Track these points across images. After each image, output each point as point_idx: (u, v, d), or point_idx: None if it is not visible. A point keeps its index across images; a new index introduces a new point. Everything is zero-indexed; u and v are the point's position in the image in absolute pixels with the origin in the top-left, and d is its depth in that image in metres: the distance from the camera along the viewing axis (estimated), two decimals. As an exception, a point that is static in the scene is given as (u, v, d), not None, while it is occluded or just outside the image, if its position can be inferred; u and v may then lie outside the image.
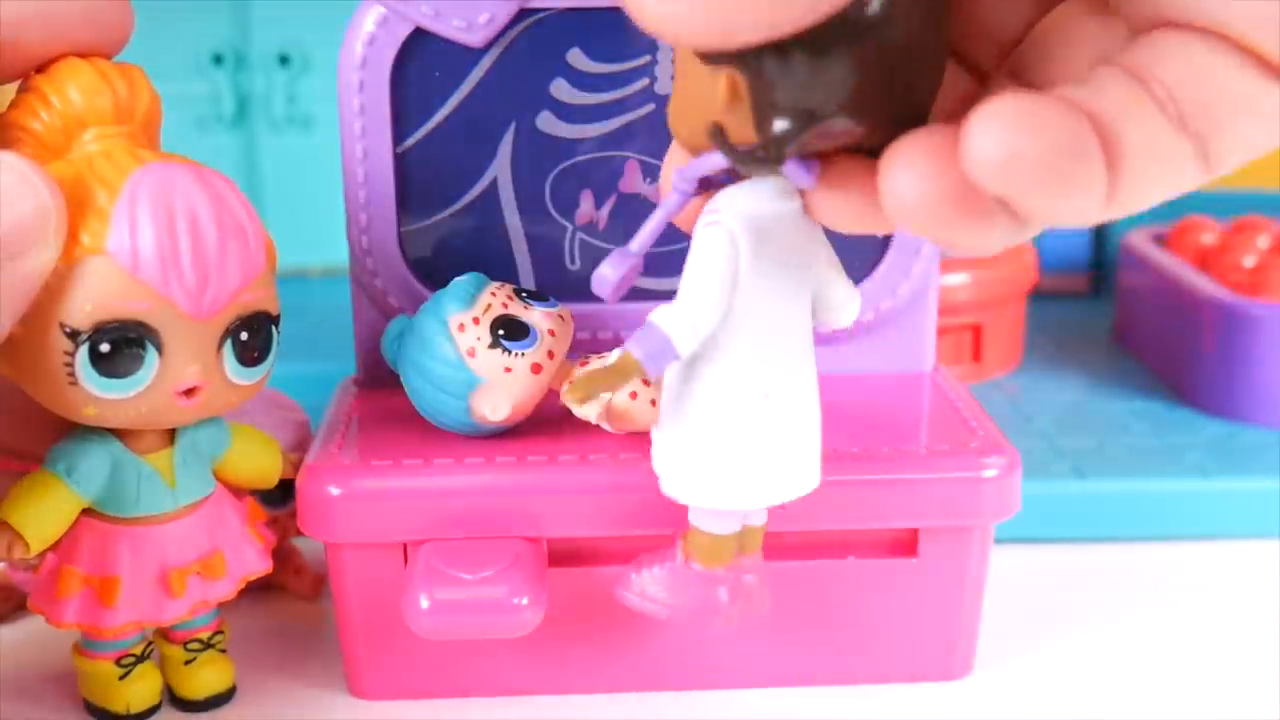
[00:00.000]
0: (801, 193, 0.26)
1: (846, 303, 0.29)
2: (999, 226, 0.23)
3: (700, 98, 0.25)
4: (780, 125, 0.24)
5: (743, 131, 0.25)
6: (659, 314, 0.27)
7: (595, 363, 0.33)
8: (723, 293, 0.27)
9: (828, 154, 0.26)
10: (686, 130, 0.27)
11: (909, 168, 0.23)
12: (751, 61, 0.24)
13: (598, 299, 0.37)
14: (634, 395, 0.33)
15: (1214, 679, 0.35)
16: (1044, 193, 0.22)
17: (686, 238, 0.37)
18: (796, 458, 0.29)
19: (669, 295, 0.37)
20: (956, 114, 0.23)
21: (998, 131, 0.22)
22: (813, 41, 0.23)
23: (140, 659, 0.33)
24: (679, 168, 0.28)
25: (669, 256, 0.37)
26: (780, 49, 0.23)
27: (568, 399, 0.29)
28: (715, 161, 0.27)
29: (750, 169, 0.26)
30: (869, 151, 0.25)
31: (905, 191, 0.23)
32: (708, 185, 0.28)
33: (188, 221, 0.29)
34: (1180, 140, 0.23)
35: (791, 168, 0.25)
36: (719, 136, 0.25)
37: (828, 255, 0.29)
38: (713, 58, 0.25)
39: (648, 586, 0.30)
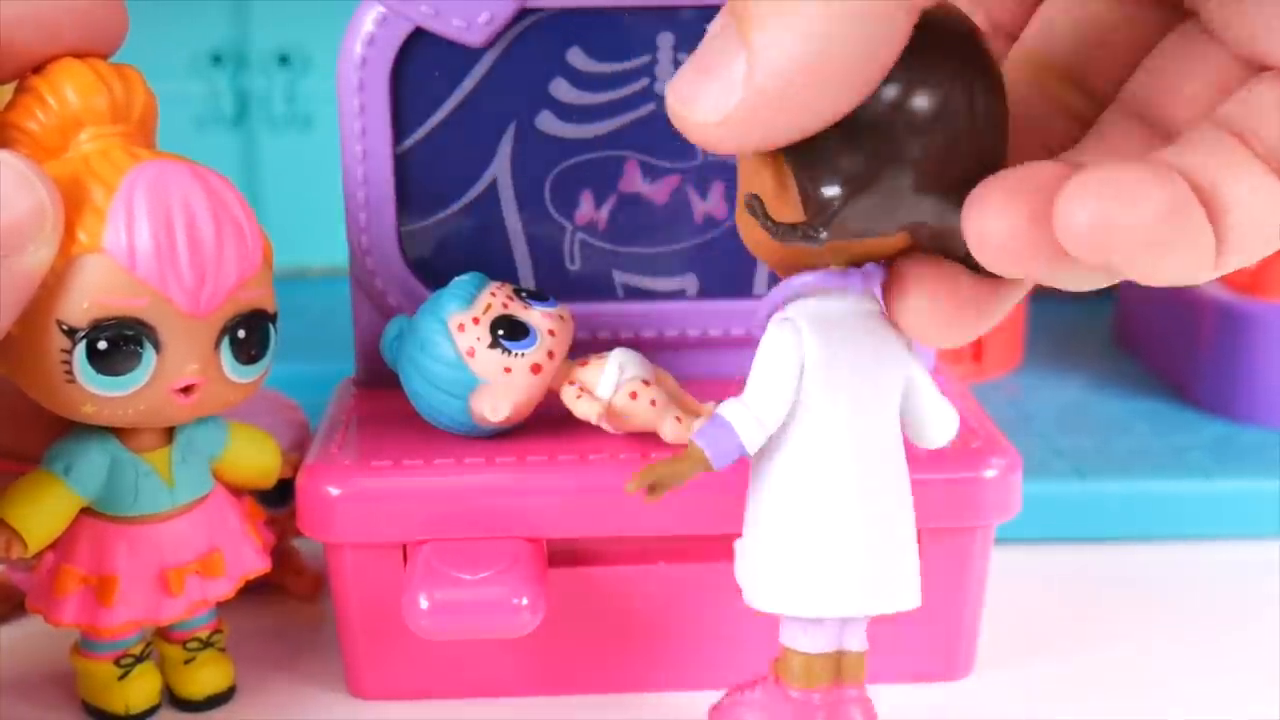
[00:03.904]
0: (882, 300, 0.27)
1: (936, 421, 0.29)
2: (1088, 273, 0.23)
3: (752, 190, 0.26)
4: (827, 192, 0.24)
5: (790, 213, 0.25)
6: (725, 406, 0.27)
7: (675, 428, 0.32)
8: (787, 384, 0.27)
9: (897, 259, 0.27)
10: (750, 232, 0.27)
11: (994, 210, 0.23)
12: (792, 147, 0.24)
13: (597, 298, 0.37)
14: (634, 395, 0.33)
15: (1214, 679, 0.35)
16: (1144, 259, 0.22)
17: (683, 238, 0.37)
18: (882, 564, 0.27)
19: (669, 295, 0.37)
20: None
21: (1090, 203, 0.21)
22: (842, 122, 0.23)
23: (139, 659, 0.33)
24: (765, 299, 0.28)
25: (667, 257, 0.37)
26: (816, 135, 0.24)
27: (632, 487, 0.27)
28: (797, 284, 0.27)
29: (791, 242, 0.25)
30: (939, 252, 0.26)
31: (989, 230, 0.23)
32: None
33: (184, 219, 0.29)
34: None
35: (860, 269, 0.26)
36: (757, 207, 0.25)
37: (917, 370, 0.28)
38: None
39: (742, 712, 0.28)
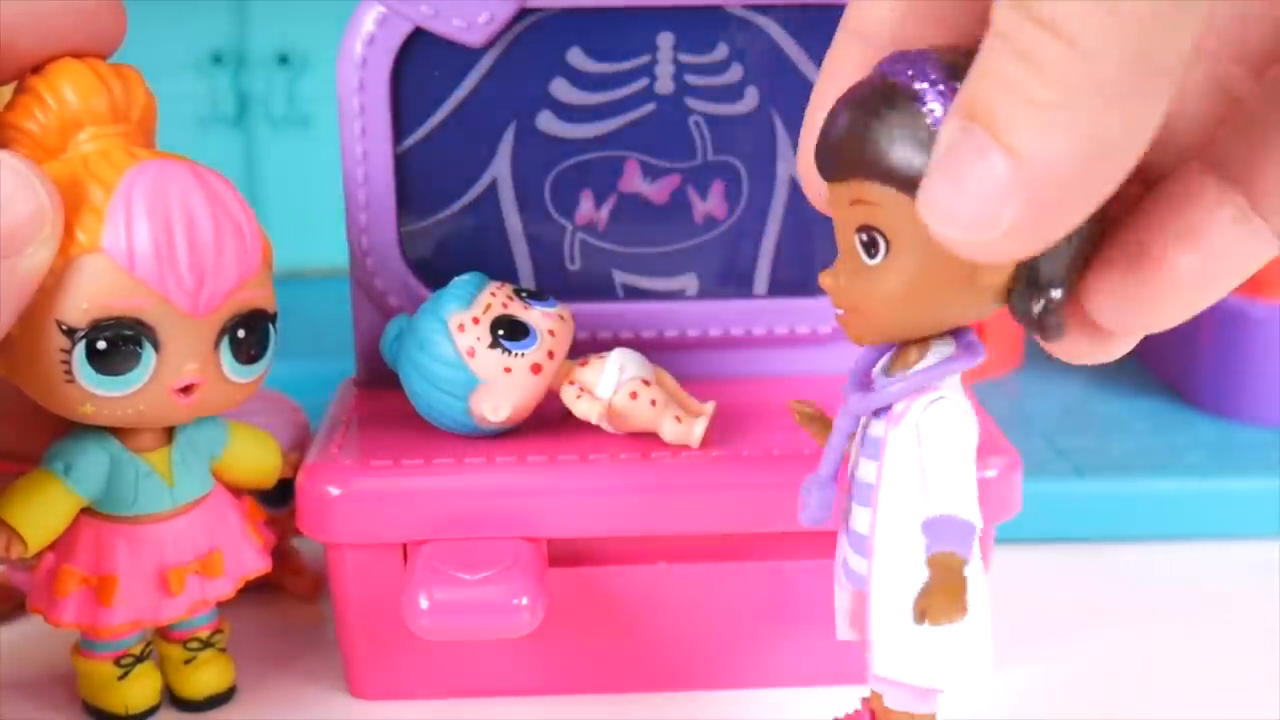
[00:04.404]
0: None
1: None
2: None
3: (949, 279, 0.25)
4: (1056, 294, 0.25)
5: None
6: (948, 506, 0.26)
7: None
8: (974, 460, 0.26)
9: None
10: (918, 312, 0.26)
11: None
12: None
13: (597, 298, 0.37)
14: (634, 395, 0.33)
15: (1214, 679, 0.35)
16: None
17: (683, 238, 0.37)
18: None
19: (669, 295, 0.37)
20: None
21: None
22: None
23: (139, 659, 0.33)
24: (906, 384, 0.27)
25: (667, 257, 0.37)
26: None
27: (931, 621, 0.25)
28: (939, 370, 0.26)
29: (1057, 337, 0.27)
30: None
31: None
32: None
33: (184, 219, 0.29)
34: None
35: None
36: (1052, 309, 0.26)
37: None
38: None
39: None
